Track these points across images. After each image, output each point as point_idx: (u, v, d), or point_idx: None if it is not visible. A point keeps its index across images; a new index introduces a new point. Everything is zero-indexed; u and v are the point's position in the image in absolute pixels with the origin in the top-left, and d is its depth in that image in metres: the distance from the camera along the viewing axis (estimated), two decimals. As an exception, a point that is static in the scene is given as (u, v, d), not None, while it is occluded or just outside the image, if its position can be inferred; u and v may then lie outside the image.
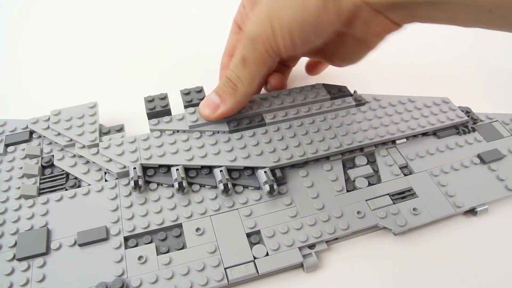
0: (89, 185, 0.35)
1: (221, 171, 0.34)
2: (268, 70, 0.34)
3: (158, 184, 0.34)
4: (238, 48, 0.32)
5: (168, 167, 0.35)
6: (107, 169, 0.35)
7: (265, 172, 0.34)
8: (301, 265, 0.31)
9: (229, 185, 0.33)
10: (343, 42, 0.33)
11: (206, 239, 0.31)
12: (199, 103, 0.38)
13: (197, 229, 0.32)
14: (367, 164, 0.37)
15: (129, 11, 0.61)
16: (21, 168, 0.36)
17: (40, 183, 0.35)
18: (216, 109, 0.35)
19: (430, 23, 0.28)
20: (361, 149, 0.37)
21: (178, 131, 0.37)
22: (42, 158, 0.37)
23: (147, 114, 0.37)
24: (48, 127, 0.38)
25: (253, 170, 0.35)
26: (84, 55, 0.54)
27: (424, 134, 0.39)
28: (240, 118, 0.37)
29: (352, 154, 0.37)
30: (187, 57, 0.53)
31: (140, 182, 0.33)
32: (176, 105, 0.39)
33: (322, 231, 0.32)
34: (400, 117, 0.39)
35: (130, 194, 0.34)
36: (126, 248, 0.31)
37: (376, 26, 0.29)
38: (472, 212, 0.35)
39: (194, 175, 0.35)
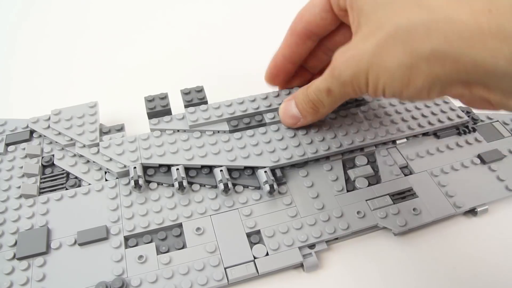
0: (89, 184, 0.35)
1: (221, 170, 0.34)
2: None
3: (158, 183, 0.35)
4: (325, 77, 0.31)
5: (168, 166, 0.35)
6: (107, 169, 0.35)
7: (265, 171, 0.34)
8: (301, 265, 0.31)
9: (229, 185, 0.33)
10: None
11: (206, 239, 0.31)
12: (199, 102, 0.38)
13: (197, 229, 0.32)
14: (367, 164, 0.37)
15: (130, 11, 0.61)
16: (22, 167, 0.36)
17: (40, 183, 0.35)
18: (297, 121, 0.36)
19: None
20: (361, 149, 0.37)
21: (178, 130, 0.37)
22: (42, 157, 0.37)
23: (148, 113, 0.37)
24: (49, 127, 0.38)
25: (253, 169, 0.35)
26: (84, 55, 0.54)
27: (424, 134, 0.39)
28: (241, 117, 0.37)
29: (352, 154, 0.37)
30: (188, 56, 0.53)
31: (140, 181, 0.33)
32: (177, 105, 0.39)
33: (322, 231, 0.32)
34: (400, 117, 0.39)
35: (130, 193, 0.34)
36: (126, 247, 0.31)
37: (474, 105, 0.27)
38: (472, 212, 0.35)
39: (194, 175, 0.35)
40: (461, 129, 0.40)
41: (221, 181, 0.33)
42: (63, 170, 0.36)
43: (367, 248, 0.33)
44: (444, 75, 0.24)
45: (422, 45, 0.24)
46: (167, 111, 0.38)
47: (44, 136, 0.38)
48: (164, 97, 0.38)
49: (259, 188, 0.34)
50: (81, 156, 0.36)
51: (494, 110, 0.25)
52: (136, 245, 0.31)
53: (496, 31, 0.21)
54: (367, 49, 0.27)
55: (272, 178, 0.34)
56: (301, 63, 0.38)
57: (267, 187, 0.33)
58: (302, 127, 0.37)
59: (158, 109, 0.37)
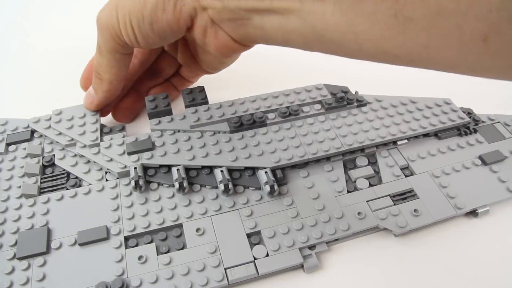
0: (89, 184, 0.35)
1: (221, 171, 0.34)
2: (128, 59, 0.35)
3: (159, 184, 0.34)
4: (97, 39, 0.33)
5: (169, 167, 0.35)
6: (108, 169, 0.35)
7: (265, 172, 0.34)
8: (301, 266, 0.31)
9: (230, 185, 0.33)
10: (195, 50, 0.34)
11: (207, 239, 0.31)
12: (201, 102, 0.38)
13: (198, 229, 0.32)
14: (368, 165, 0.37)
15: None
16: (22, 167, 0.36)
17: (41, 182, 0.35)
18: (92, 100, 0.37)
19: (268, 45, 0.28)
20: (362, 150, 0.37)
21: (179, 131, 0.37)
22: (43, 157, 0.37)
23: (149, 114, 0.37)
24: (50, 127, 0.38)
25: (254, 170, 0.35)
26: (85, 55, 0.54)
27: (426, 135, 0.39)
28: (241, 117, 0.37)
29: (353, 155, 0.37)
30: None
31: (141, 182, 0.33)
32: (177, 105, 0.39)
33: (323, 232, 0.32)
34: (401, 118, 0.39)
35: (130, 194, 0.34)
36: (126, 247, 0.31)
37: (216, 39, 0.29)
38: (473, 213, 0.35)
39: (195, 175, 0.35)
40: (462, 130, 0.40)
41: (221, 181, 0.33)
42: (64, 170, 0.36)
43: (367, 249, 0.33)
44: None
45: None
46: (168, 111, 0.38)
47: (45, 136, 0.38)
48: (165, 97, 0.38)
49: (259, 188, 0.34)
50: (81, 156, 0.36)
51: (237, 43, 0.29)
52: (137, 245, 0.31)
53: None
54: None
55: (273, 178, 0.33)
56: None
57: (267, 188, 0.33)
58: (293, 126, 0.37)
59: (159, 109, 0.37)
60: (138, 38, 0.30)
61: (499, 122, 0.41)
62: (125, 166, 0.34)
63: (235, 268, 0.30)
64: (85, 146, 0.36)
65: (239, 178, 0.35)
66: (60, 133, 0.37)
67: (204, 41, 0.30)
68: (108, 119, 0.42)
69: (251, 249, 0.31)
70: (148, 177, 0.35)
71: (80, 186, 0.35)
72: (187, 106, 0.38)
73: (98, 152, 0.36)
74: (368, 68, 0.45)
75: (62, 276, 0.29)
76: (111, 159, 0.35)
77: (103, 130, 0.38)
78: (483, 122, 0.41)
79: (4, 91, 0.48)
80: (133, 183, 0.33)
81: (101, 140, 0.36)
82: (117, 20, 0.30)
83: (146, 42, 0.31)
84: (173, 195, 0.34)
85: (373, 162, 0.37)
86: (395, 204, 0.34)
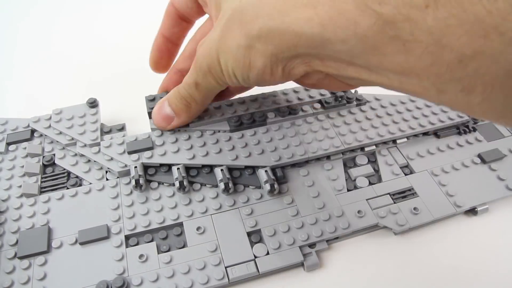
0: (90, 184, 0.35)
1: (222, 170, 0.34)
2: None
3: (159, 183, 0.35)
4: (192, 72, 0.31)
5: (169, 166, 0.35)
6: (108, 168, 0.35)
7: (266, 171, 0.34)
8: (301, 264, 0.31)
9: (230, 184, 0.33)
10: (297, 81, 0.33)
11: (207, 238, 0.31)
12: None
13: (198, 228, 0.32)
14: (367, 163, 0.37)
15: (131, 9, 0.62)
16: (23, 166, 0.36)
17: (41, 182, 0.35)
18: (170, 121, 0.35)
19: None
20: (361, 148, 0.37)
21: (179, 130, 0.37)
22: (43, 156, 0.37)
23: (149, 113, 0.37)
24: (50, 126, 0.38)
25: (254, 169, 0.35)
26: (86, 54, 0.54)
27: (425, 133, 0.39)
28: (241, 117, 0.37)
29: (353, 154, 0.37)
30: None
31: (141, 181, 0.33)
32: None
33: (323, 230, 0.32)
34: (400, 116, 0.39)
35: (131, 193, 0.34)
36: (127, 246, 0.31)
37: (331, 85, 0.28)
38: (472, 211, 0.35)
39: (195, 174, 0.35)
40: (461, 129, 0.40)
41: (221, 180, 0.33)
42: (64, 169, 0.36)
43: (367, 247, 0.33)
44: (277, 52, 0.25)
45: (253, 25, 0.25)
46: (168, 111, 0.38)
47: (45, 135, 0.38)
48: (165, 96, 0.38)
49: (259, 187, 0.34)
50: (82, 155, 0.36)
51: (350, 86, 0.27)
52: (137, 244, 0.31)
53: (307, 2, 0.23)
54: (215, 36, 0.28)
55: (273, 177, 0.34)
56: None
57: (267, 187, 0.33)
58: (293, 125, 0.37)
59: (159, 108, 0.37)
60: (242, 84, 0.30)
61: (498, 120, 0.42)
62: (126, 165, 0.35)
63: (235, 267, 0.30)
64: (85, 145, 0.36)
65: (240, 177, 0.35)
66: (61, 133, 0.37)
67: (310, 82, 0.29)
68: (108, 119, 0.42)
69: (252, 248, 0.31)
70: (149, 176, 0.35)
71: (80, 185, 0.35)
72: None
73: (99, 151, 0.36)
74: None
75: (63, 275, 0.29)
76: (112, 158, 0.35)
77: (103, 130, 0.39)
78: (482, 120, 0.41)
79: (4, 91, 0.48)
80: (133, 182, 0.33)
81: (101, 140, 0.36)
82: (221, 70, 0.29)
83: (250, 85, 0.31)
84: (174, 194, 0.34)
85: (372, 161, 0.37)
86: (394, 203, 0.34)
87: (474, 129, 0.40)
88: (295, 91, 0.40)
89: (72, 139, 0.37)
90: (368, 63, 0.22)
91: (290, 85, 0.43)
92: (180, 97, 0.33)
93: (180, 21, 0.36)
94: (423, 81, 0.21)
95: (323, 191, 0.34)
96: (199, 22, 0.37)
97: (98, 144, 0.36)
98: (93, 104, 0.39)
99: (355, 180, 0.36)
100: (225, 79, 0.30)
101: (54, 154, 0.37)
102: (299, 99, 0.39)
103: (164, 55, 0.38)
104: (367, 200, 0.34)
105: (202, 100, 0.33)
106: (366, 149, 0.37)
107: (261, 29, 0.25)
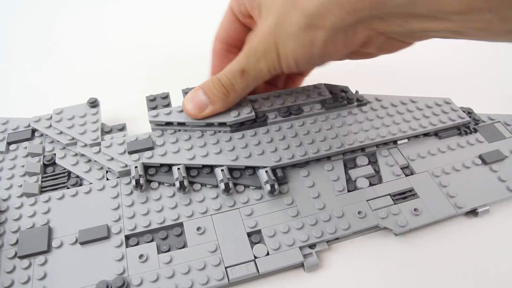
0: (90, 183, 0.35)
1: (222, 170, 0.34)
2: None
3: (160, 183, 0.35)
4: (239, 59, 0.32)
5: (170, 166, 0.35)
6: (108, 168, 0.35)
7: (266, 171, 0.34)
8: (301, 265, 0.31)
9: (230, 185, 0.33)
10: (351, 54, 0.33)
11: (207, 238, 0.31)
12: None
13: (198, 228, 0.32)
14: (368, 164, 0.37)
15: (131, 10, 0.62)
16: (23, 166, 0.36)
17: (42, 181, 0.35)
18: (203, 109, 0.35)
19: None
20: (362, 149, 0.37)
21: (180, 130, 0.37)
22: (44, 156, 0.37)
23: (148, 114, 0.37)
24: (50, 126, 0.38)
25: (254, 169, 0.35)
26: (87, 54, 0.54)
27: (426, 134, 0.39)
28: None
29: (354, 154, 0.37)
30: (189, 56, 0.53)
31: (142, 181, 0.33)
32: (178, 105, 0.39)
33: (323, 231, 0.32)
34: (401, 117, 0.39)
35: (131, 193, 0.34)
36: (127, 246, 0.31)
37: (389, 48, 0.29)
38: (473, 213, 0.35)
39: (195, 174, 0.35)
40: (462, 130, 0.40)
41: (222, 180, 0.33)
42: (65, 169, 0.36)
43: (367, 248, 0.33)
44: (339, 21, 0.26)
45: (309, 4, 0.26)
46: (168, 111, 0.38)
47: (46, 135, 0.38)
48: (165, 96, 0.38)
49: (260, 187, 0.34)
50: (82, 155, 0.36)
51: (409, 44, 0.28)
52: (137, 244, 0.31)
53: None
54: (269, 24, 0.29)
55: (273, 177, 0.34)
56: None
57: (268, 187, 0.33)
58: (294, 125, 0.37)
59: (159, 108, 0.37)
60: (299, 68, 0.30)
61: (499, 121, 0.42)
62: (126, 165, 0.35)
63: (235, 267, 0.30)
64: (86, 145, 0.36)
65: (240, 177, 0.35)
66: (61, 132, 0.37)
67: (377, 52, 0.30)
68: (109, 119, 0.42)
69: (252, 248, 0.31)
70: (149, 176, 0.35)
71: (81, 185, 0.35)
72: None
73: (99, 151, 0.36)
74: (368, 67, 0.45)
75: (63, 274, 0.29)
76: (112, 158, 0.35)
77: (104, 129, 0.39)
78: (483, 121, 0.41)
79: (5, 90, 0.48)
80: (133, 182, 0.33)
81: (102, 139, 0.36)
82: (277, 55, 0.30)
83: (305, 69, 0.31)
84: (174, 194, 0.34)
85: (373, 162, 0.37)
86: (395, 203, 0.34)
87: (475, 130, 0.40)
88: (296, 92, 0.40)
89: (73, 138, 0.37)
90: (429, 10, 0.23)
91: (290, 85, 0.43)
92: (220, 85, 0.33)
93: (228, 55, 0.37)
94: (485, 14, 0.22)
95: (324, 191, 0.34)
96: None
97: (99, 144, 0.36)
98: (93, 104, 0.39)
99: (355, 180, 0.36)
100: (278, 65, 0.30)
101: (54, 154, 0.37)
102: (300, 99, 0.39)
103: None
104: (367, 201, 0.34)
105: (243, 89, 0.33)
106: (367, 149, 0.37)
107: (318, 4, 0.25)
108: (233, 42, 0.37)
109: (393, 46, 0.28)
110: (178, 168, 0.34)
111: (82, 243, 0.31)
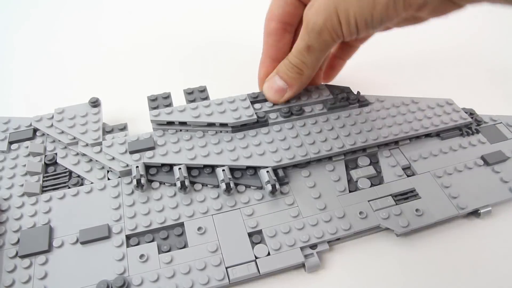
0: (91, 183, 0.35)
1: (223, 170, 0.34)
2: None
3: (161, 183, 0.35)
4: (302, 36, 0.33)
5: (171, 166, 0.35)
6: (109, 168, 0.35)
7: (267, 171, 0.34)
8: (302, 265, 0.31)
9: (231, 185, 0.33)
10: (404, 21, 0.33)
11: (208, 238, 0.31)
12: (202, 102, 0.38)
13: (199, 228, 0.32)
14: (369, 164, 0.37)
15: (133, 10, 0.62)
16: (25, 165, 0.36)
17: (43, 181, 0.35)
18: (283, 93, 0.37)
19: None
20: (363, 149, 0.37)
21: (181, 130, 0.37)
22: (45, 156, 0.37)
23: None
24: (52, 125, 0.38)
25: (255, 169, 0.35)
26: (88, 54, 0.54)
27: (427, 135, 0.39)
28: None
29: (355, 155, 0.37)
30: (190, 56, 0.53)
31: (143, 180, 0.33)
32: (179, 104, 0.39)
33: (324, 231, 0.32)
34: (403, 118, 0.39)
35: (132, 192, 0.34)
36: (127, 246, 0.31)
37: (443, 11, 0.29)
38: (475, 213, 0.35)
39: (197, 174, 0.35)
40: (464, 131, 0.40)
41: (223, 180, 0.33)
42: (66, 168, 0.36)
43: (369, 249, 0.33)
44: None
45: None
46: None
47: (47, 134, 0.38)
48: (167, 96, 0.38)
49: (261, 188, 0.34)
50: (83, 155, 0.36)
51: (460, 7, 0.28)
52: (138, 244, 0.31)
53: None
54: None
55: (274, 178, 0.33)
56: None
57: (269, 187, 0.33)
58: (295, 126, 0.37)
59: (160, 108, 0.37)
60: (360, 33, 0.31)
61: (501, 122, 0.41)
62: (127, 165, 0.35)
63: (236, 267, 0.30)
64: (87, 144, 0.36)
65: (241, 177, 0.35)
66: (62, 132, 0.37)
67: (430, 15, 0.30)
68: (110, 119, 0.42)
69: (253, 248, 0.31)
70: (150, 176, 0.35)
71: (82, 184, 0.35)
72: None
73: (100, 151, 0.36)
74: (369, 68, 0.45)
75: (64, 274, 0.29)
76: (113, 158, 0.35)
77: (105, 129, 0.39)
78: (485, 122, 0.41)
79: (7, 90, 0.48)
80: (135, 182, 0.33)
81: (103, 139, 0.37)
82: (339, 21, 0.30)
83: (364, 34, 0.32)
84: (175, 194, 0.34)
85: (375, 162, 0.37)
86: (396, 204, 0.34)
87: (477, 131, 0.40)
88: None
89: (74, 138, 0.37)
90: None
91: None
92: (291, 66, 0.35)
93: (284, 34, 0.38)
94: None
95: (325, 192, 0.34)
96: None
97: (100, 144, 0.36)
98: (95, 103, 0.39)
99: (357, 181, 0.36)
100: (341, 32, 0.31)
101: (56, 153, 0.37)
102: (301, 100, 0.39)
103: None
104: (369, 201, 0.34)
105: (314, 63, 0.34)
106: (368, 150, 0.37)
107: None
108: (289, 19, 0.37)
109: (446, 8, 0.29)
110: (179, 168, 0.34)
111: (83, 243, 0.31)
